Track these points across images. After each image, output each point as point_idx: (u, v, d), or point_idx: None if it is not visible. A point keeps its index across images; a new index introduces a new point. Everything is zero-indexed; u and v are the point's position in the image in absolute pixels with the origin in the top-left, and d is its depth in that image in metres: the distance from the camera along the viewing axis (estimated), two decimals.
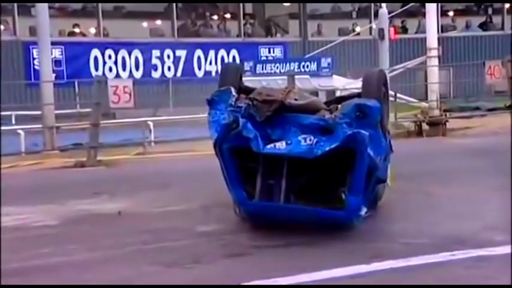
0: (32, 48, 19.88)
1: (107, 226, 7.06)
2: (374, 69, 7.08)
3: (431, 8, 17.10)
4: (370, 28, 25.23)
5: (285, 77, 16.23)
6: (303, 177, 6.64)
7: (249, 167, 6.52)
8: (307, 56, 23.15)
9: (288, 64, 19.43)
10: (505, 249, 5.66)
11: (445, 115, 17.12)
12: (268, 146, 6.20)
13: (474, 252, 5.70)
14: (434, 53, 17.14)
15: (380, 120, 6.52)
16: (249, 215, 6.59)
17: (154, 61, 22.81)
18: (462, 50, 25.05)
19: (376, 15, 21.62)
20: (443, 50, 17.61)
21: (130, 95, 13.43)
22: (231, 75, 6.95)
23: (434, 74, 17.12)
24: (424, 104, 18.61)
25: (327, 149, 6.06)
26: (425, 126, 16.82)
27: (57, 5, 22.30)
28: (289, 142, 6.18)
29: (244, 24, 24.87)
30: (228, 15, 25.64)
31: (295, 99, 6.46)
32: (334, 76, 18.65)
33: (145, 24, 24.51)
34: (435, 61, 17.17)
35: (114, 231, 6.80)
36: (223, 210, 7.52)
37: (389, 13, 20.57)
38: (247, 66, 19.90)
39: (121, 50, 22.25)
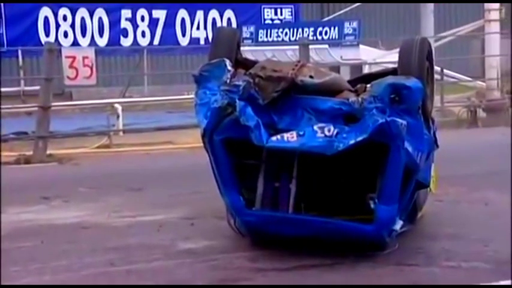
0: None
1: (60, 242, 7.10)
2: (414, 38, 7.08)
3: None
4: None
5: (297, 47, 16.25)
6: (319, 180, 6.68)
7: (249, 166, 6.55)
8: (325, 19, 23.15)
9: (300, 30, 19.48)
10: None
11: (510, 98, 17.20)
12: (274, 138, 6.23)
13: None
14: (495, 15, 17.16)
15: (422, 106, 6.55)
16: (247, 228, 6.63)
17: (124, 24, 22.82)
18: None
19: None
20: (506, 11, 17.60)
21: (91, 68, 13.47)
22: (225, 43, 6.97)
23: (494, 44, 17.16)
24: (480, 84, 18.67)
25: (352, 142, 6.09)
26: (481, 113, 16.88)
27: None
28: (301, 133, 6.22)
29: None
30: None
31: (310, 76, 6.49)
32: (361, 46, 18.70)
33: None
34: (496, 27, 17.19)
35: (70, 249, 6.84)
36: (214, 221, 7.57)
37: None
38: (246, 32, 19.98)
39: (79, 9, 22.25)
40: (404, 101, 6.27)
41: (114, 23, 22.55)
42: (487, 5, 17.29)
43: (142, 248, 6.78)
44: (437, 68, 17.52)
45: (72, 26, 22.09)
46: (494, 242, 6.77)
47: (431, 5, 18.59)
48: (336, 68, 16.61)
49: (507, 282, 5.72)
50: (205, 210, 7.95)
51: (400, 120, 6.16)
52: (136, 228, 7.44)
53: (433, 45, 17.98)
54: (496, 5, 17.20)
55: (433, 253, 6.57)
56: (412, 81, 6.39)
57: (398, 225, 6.50)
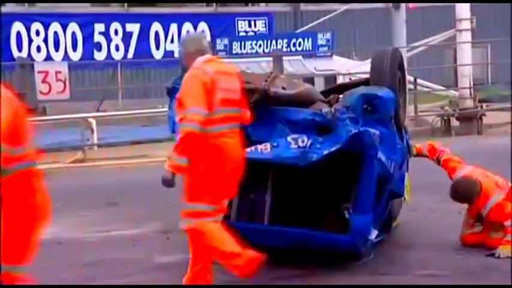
0: None
1: (35, 258, 7.04)
2: (386, 48, 7.15)
3: None
4: None
5: (271, 59, 16.31)
6: (294, 191, 6.69)
7: None
8: (299, 30, 23.24)
9: (274, 41, 19.54)
10: None
11: (481, 107, 17.34)
12: (248, 150, 6.24)
13: None
14: (466, 25, 17.31)
15: (394, 115, 6.60)
16: None
17: (98, 38, 22.76)
18: (502, 21, 25.29)
19: None
20: (477, 21, 17.78)
21: (65, 83, 13.46)
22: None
23: (466, 53, 17.30)
24: (453, 93, 18.81)
25: (325, 153, 6.11)
26: (454, 122, 17.01)
27: None
28: (275, 144, 6.23)
29: None
30: None
31: (283, 88, 6.52)
32: (334, 57, 18.79)
33: None
34: (467, 36, 17.34)
35: (45, 264, 6.78)
36: None
37: None
38: (220, 44, 20.01)
39: (52, 23, 22.17)
40: (377, 111, 6.32)
41: (88, 37, 22.48)
42: (458, 15, 17.44)
43: (118, 262, 6.75)
44: (410, 78, 17.66)
45: (45, 40, 22.00)
46: (466, 250, 6.82)
47: (403, 15, 18.72)
48: (310, 79, 16.69)
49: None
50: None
51: (372, 130, 6.20)
52: (112, 243, 7.42)
53: (407, 55, 18.17)
54: (467, 15, 17.36)
55: (408, 262, 6.61)
56: (384, 91, 6.44)
57: (373, 234, 6.52)
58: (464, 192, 6.85)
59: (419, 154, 7.34)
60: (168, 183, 5.48)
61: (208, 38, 22.31)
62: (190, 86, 5.52)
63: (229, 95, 5.61)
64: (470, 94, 17.12)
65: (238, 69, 6.66)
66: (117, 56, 22.72)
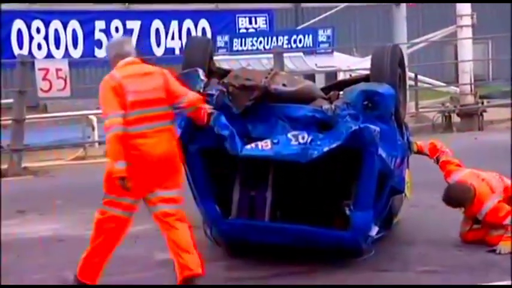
0: None
1: (36, 255, 7.06)
2: (386, 45, 7.15)
3: None
4: None
5: (271, 56, 16.29)
6: (295, 188, 6.70)
7: (224, 175, 6.57)
8: (300, 27, 23.22)
9: (274, 38, 19.52)
10: None
11: (482, 103, 17.33)
12: (249, 147, 6.24)
13: None
14: (467, 21, 17.30)
15: (395, 112, 6.60)
16: (224, 237, 6.64)
17: (98, 35, 22.76)
18: (503, 17, 25.27)
19: None
20: (478, 17, 17.76)
21: (65, 80, 13.41)
22: (198, 53, 6.98)
23: (466, 49, 17.28)
24: (454, 89, 18.81)
25: (326, 149, 6.12)
26: (455, 118, 17.01)
27: None
28: (275, 141, 6.24)
29: None
30: None
31: (283, 85, 6.52)
32: (335, 54, 18.76)
33: None
34: (468, 32, 17.33)
35: (46, 262, 6.80)
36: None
37: None
38: (221, 41, 19.97)
39: (53, 20, 22.17)
40: (377, 107, 6.32)
41: (88, 34, 22.48)
42: (458, 11, 17.42)
43: (119, 260, 6.72)
44: (411, 74, 17.65)
45: (46, 38, 22.01)
46: (467, 246, 6.83)
47: (404, 12, 18.70)
48: (311, 76, 16.66)
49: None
50: None
51: (373, 127, 6.20)
52: None
53: (407, 51, 18.14)
54: (468, 11, 17.33)
55: (409, 258, 6.62)
56: (384, 88, 6.44)
57: (374, 231, 6.53)
58: (457, 197, 6.85)
59: (420, 152, 7.34)
60: (124, 187, 5.57)
61: (209, 34, 22.32)
62: (102, 94, 5.69)
63: (140, 97, 5.63)
64: (471, 90, 17.10)
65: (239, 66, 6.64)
66: None
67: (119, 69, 5.72)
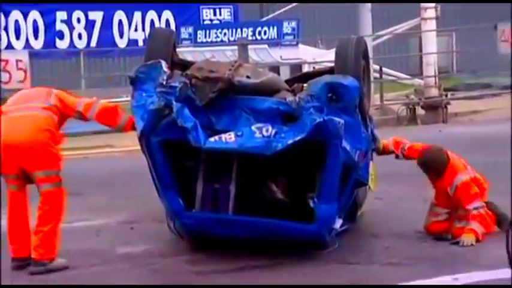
0: None
1: None
2: (351, 37, 7.17)
3: None
4: None
5: (236, 47, 16.28)
6: (259, 180, 6.70)
7: (187, 167, 6.55)
8: (264, 18, 23.23)
9: (239, 30, 19.49)
10: None
11: (446, 95, 17.44)
12: (212, 139, 6.24)
13: (482, 276, 5.89)
14: (431, 13, 17.42)
15: (359, 104, 6.63)
16: (187, 231, 6.62)
17: (59, 26, 22.53)
18: (467, 9, 25.48)
19: None
20: (442, 9, 17.89)
21: (25, 72, 13.29)
22: (161, 44, 6.95)
23: (431, 41, 17.40)
24: (418, 82, 18.93)
25: (290, 142, 6.13)
26: (420, 111, 17.11)
27: None
28: (239, 133, 6.23)
29: None
30: None
31: (247, 77, 6.51)
32: (300, 46, 18.80)
33: None
34: (432, 24, 17.46)
35: (7, 256, 6.73)
36: (153, 225, 7.55)
37: None
38: (185, 32, 19.90)
39: (13, 11, 21.91)
40: (341, 99, 6.34)
41: (49, 25, 22.24)
42: (423, 3, 17.53)
43: (81, 253, 6.72)
44: (376, 67, 17.74)
45: (6, 29, 21.74)
46: (431, 238, 6.88)
47: (369, 4, 18.78)
48: (275, 68, 16.67)
49: (446, 278, 5.82)
50: (145, 214, 7.92)
51: (337, 119, 6.22)
52: (75, 234, 7.36)
53: (372, 43, 18.22)
54: (432, 3, 17.44)
55: (374, 251, 6.66)
56: (348, 80, 6.46)
57: (338, 223, 6.56)
58: (434, 158, 6.91)
59: (386, 150, 7.34)
60: None
61: (173, 26, 22.24)
62: None
63: None
64: (436, 83, 17.22)
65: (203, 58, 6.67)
66: (80, 44, 22.50)
67: None
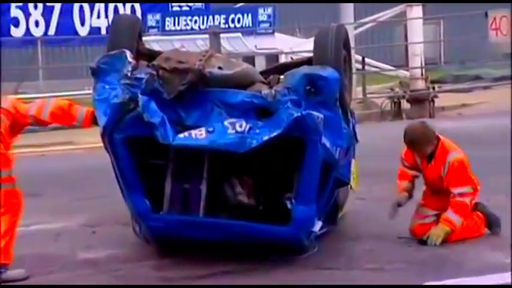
0: None
1: None
2: (331, 25, 7.19)
3: None
4: None
5: (207, 36, 16.28)
6: (232, 180, 6.71)
7: (154, 166, 6.55)
8: (238, 5, 23.21)
9: (211, 17, 19.48)
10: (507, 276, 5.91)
11: (433, 88, 17.55)
12: (181, 136, 6.24)
13: (471, 281, 5.92)
14: None
15: (339, 97, 6.65)
16: (154, 235, 6.62)
17: (15, 13, 22.42)
18: None
19: None
20: None
21: None
22: (125, 33, 6.94)
23: (417, 30, 17.49)
24: (403, 73, 19.03)
25: (265, 138, 6.14)
26: (405, 105, 17.20)
27: None
28: (210, 129, 6.24)
29: None
30: None
31: (219, 68, 6.52)
32: (276, 34, 18.81)
33: None
34: (418, 11, 17.54)
35: None
36: (117, 228, 7.53)
37: None
38: (152, 20, 19.86)
39: None
40: (321, 92, 6.35)
41: (4, 11, 22.11)
42: None
43: (39, 259, 6.70)
44: (358, 57, 17.79)
45: None
46: (417, 241, 6.91)
47: None
48: (250, 58, 16.70)
49: (432, 284, 5.87)
50: (108, 217, 7.90)
51: (316, 114, 6.24)
52: (32, 238, 7.33)
53: (354, 32, 18.28)
54: None
55: (354, 255, 6.69)
56: (328, 71, 6.48)
57: (317, 226, 6.58)
58: (424, 132, 6.94)
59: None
60: None
61: (139, 13, 22.18)
62: None
63: None
64: (422, 74, 17.32)
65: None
66: (37, 32, 22.40)
67: None
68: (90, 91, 6.80)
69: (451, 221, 6.76)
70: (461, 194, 6.80)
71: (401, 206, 7.03)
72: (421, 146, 6.94)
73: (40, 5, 22.51)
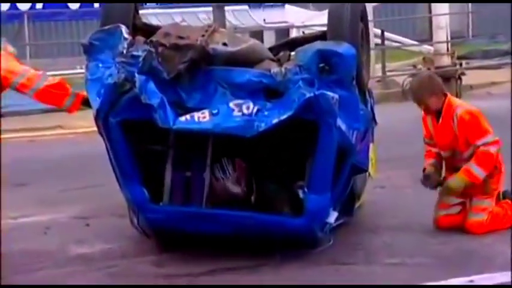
0: None
1: None
2: None
3: None
4: None
5: (210, 9, 16.27)
6: (222, 162, 6.71)
7: (153, 152, 6.57)
8: None
9: None
10: None
11: (460, 65, 17.56)
12: (183, 119, 6.25)
13: (500, 277, 5.93)
14: None
15: (356, 76, 6.66)
16: (153, 227, 6.64)
17: None
18: None
19: None
20: None
21: None
22: (120, 6, 6.95)
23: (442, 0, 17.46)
24: (427, 48, 19.00)
25: (275, 121, 6.15)
26: None
27: None
28: (215, 112, 6.25)
29: None
30: None
31: (224, 44, 6.53)
32: (287, 6, 18.81)
33: None
34: None
35: None
36: (113, 220, 7.57)
37: None
38: None
39: None
40: (335, 70, 6.36)
41: None
42: None
43: (27, 254, 6.74)
44: (377, 31, 17.77)
45: None
46: (441, 233, 6.95)
47: None
48: (258, 33, 16.69)
49: (458, 280, 5.88)
50: (103, 208, 7.94)
51: (330, 94, 6.25)
52: (20, 232, 7.39)
53: (372, 4, 18.24)
54: None
55: (373, 249, 6.72)
56: (343, 47, 6.48)
57: (332, 217, 6.60)
58: (427, 80, 7.06)
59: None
60: None
61: None
62: None
63: None
64: (448, 50, 17.28)
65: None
66: (23, 6, 22.43)
67: None
68: (82, 70, 6.82)
69: (471, 173, 6.81)
70: (485, 144, 6.85)
71: (430, 178, 7.08)
72: (424, 97, 6.98)
73: None
